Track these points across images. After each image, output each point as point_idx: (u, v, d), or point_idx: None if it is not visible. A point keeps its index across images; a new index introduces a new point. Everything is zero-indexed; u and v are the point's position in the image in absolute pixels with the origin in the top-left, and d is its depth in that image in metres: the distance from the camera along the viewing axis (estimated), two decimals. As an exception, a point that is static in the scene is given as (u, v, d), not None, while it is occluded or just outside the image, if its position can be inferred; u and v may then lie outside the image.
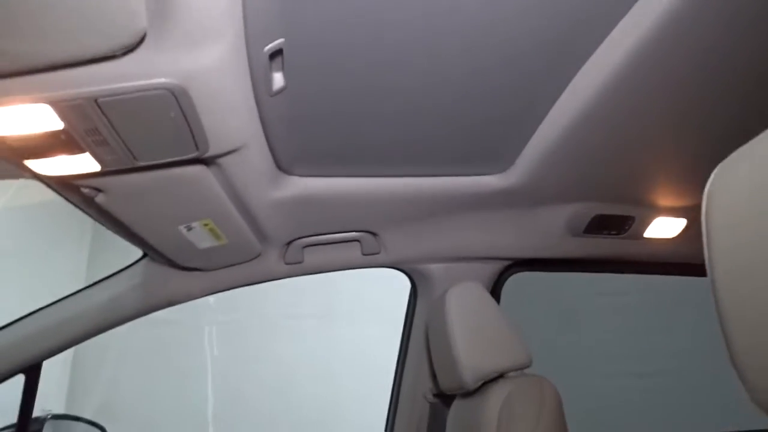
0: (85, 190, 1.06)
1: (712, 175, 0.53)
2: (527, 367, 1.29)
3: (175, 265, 1.54)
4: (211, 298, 3.87)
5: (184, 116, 0.87)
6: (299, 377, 3.81)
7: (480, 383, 1.26)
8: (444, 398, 1.69)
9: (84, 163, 0.94)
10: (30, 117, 0.80)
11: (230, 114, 0.95)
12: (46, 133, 0.83)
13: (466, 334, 1.27)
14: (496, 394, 1.21)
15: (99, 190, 1.07)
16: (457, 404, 1.44)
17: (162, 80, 0.79)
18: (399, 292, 1.92)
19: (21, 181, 3.56)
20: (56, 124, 0.82)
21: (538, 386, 1.19)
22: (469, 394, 1.34)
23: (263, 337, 3.97)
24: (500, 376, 1.27)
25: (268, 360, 3.88)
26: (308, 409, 3.71)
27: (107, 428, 2.00)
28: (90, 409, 3.82)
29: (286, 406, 3.73)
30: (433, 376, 1.70)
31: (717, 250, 0.51)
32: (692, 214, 1.62)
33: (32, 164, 0.92)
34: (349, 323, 3.89)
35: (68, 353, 4.00)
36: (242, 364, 3.95)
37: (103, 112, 0.81)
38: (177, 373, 3.99)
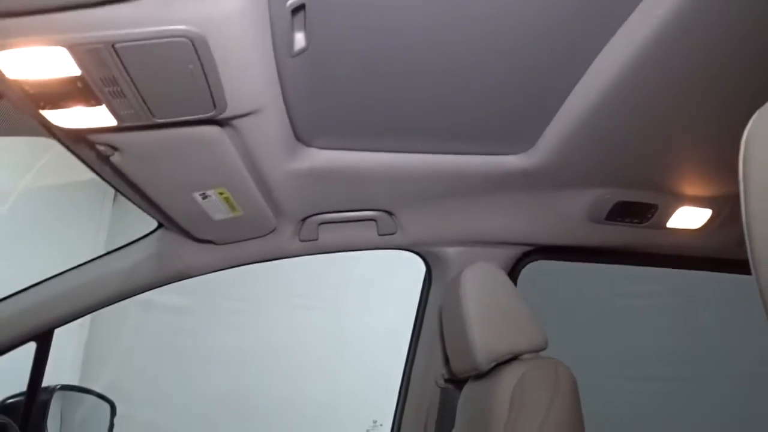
0: (101, 148, 1.06)
1: (751, 121, 0.50)
2: (543, 349, 1.27)
3: (190, 236, 1.53)
4: (223, 286, 3.90)
5: (203, 69, 0.85)
6: (308, 366, 3.81)
7: (493, 364, 1.24)
8: (455, 384, 1.67)
9: (100, 117, 0.93)
10: (46, 60, 0.79)
11: (249, 72, 0.93)
12: (63, 79, 0.82)
13: (480, 314, 1.25)
14: (510, 376, 1.19)
15: (115, 149, 1.06)
16: (469, 386, 1.41)
17: (181, 27, 0.77)
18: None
19: (41, 163, 3.60)
20: (73, 69, 0.81)
21: (553, 369, 1.16)
22: (481, 376, 1.32)
23: (273, 326, 3.97)
24: (514, 358, 1.25)
25: (278, 349, 3.88)
26: (315, 398, 3.70)
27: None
28: (99, 387, 3.85)
29: (294, 395, 3.72)
30: (446, 361, 1.68)
31: (755, 200, 0.48)
32: (718, 204, 1.57)
33: (48, 114, 0.91)
34: (359, 314, 3.87)
35: (81, 339, 4.05)
36: (252, 353, 3.96)
37: (120, 59, 0.80)
38: (187, 360, 4.01)
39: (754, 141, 0.48)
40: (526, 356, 1.25)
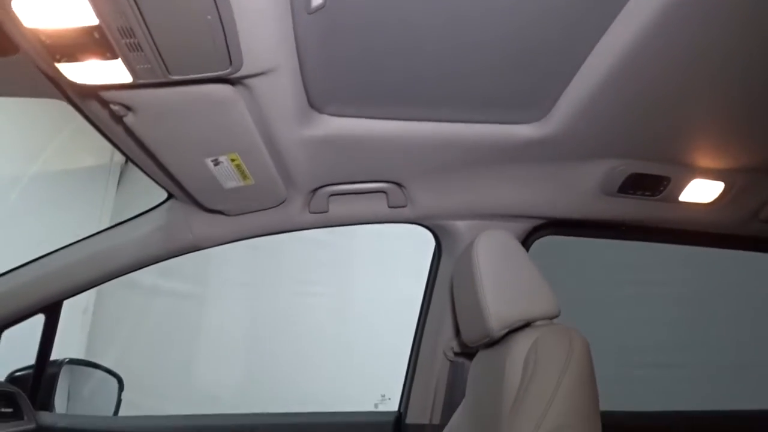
0: (115, 108, 1.05)
1: None
2: (555, 317, 1.26)
3: (200, 207, 1.52)
4: (227, 271, 3.90)
5: (221, 21, 0.84)
6: (315, 345, 3.81)
7: (506, 331, 1.23)
8: (465, 356, 1.67)
9: (116, 72, 0.92)
10: (64, 9, 0.78)
11: (266, 27, 0.93)
12: (80, 29, 0.81)
13: (493, 280, 1.24)
14: (523, 342, 1.18)
15: (128, 109, 1.06)
16: (480, 356, 1.40)
17: None
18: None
19: (49, 150, 3.61)
20: (91, 18, 0.80)
21: (567, 335, 1.15)
22: (492, 344, 1.31)
23: (280, 309, 3.97)
24: (527, 325, 1.24)
25: (285, 330, 3.89)
26: (323, 376, 3.71)
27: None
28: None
29: (302, 373, 3.73)
30: (456, 333, 1.68)
31: None
32: (730, 178, 1.56)
33: (64, 68, 0.90)
34: (366, 291, 3.88)
35: (85, 325, 4.05)
36: (259, 335, 3.97)
37: (139, 8, 0.79)
38: (193, 345, 4.01)
39: None
40: (538, 323, 1.24)
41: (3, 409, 1.45)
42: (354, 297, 3.93)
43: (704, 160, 1.51)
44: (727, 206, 1.65)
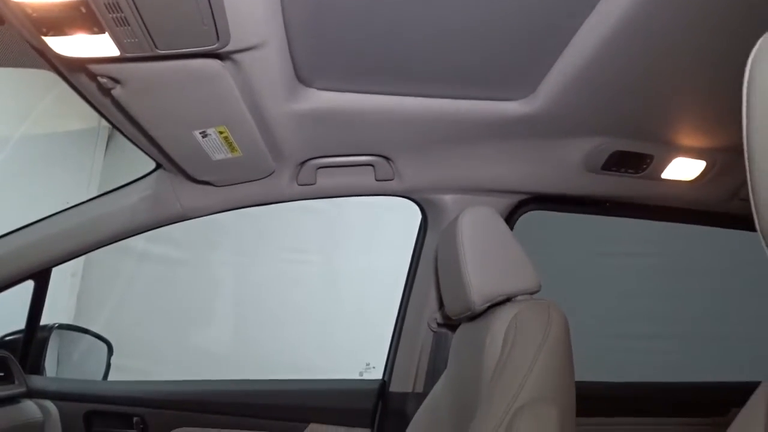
0: (103, 80, 1.05)
1: (759, 41, 0.51)
2: (536, 292, 1.29)
3: (188, 177, 1.53)
4: (216, 237, 3.90)
5: None
6: (301, 313, 3.86)
7: (487, 305, 1.26)
8: (448, 327, 1.70)
9: (103, 46, 0.92)
10: (50, -18, 0.78)
11: (254, 2, 0.93)
12: (66, 3, 0.81)
13: (476, 256, 1.27)
14: (504, 316, 1.21)
15: (116, 81, 1.06)
16: (462, 328, 1.44)
17: None
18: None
19: (37, 112, 3.57)
20: (77, -8, 0.80)
21: (546, 309, 1.18)
22: (474, 317, 1.35)
23: (267, 277, 4.00)
24: (508, 300, 1.27)
25: (271, 298, 3.92)
26: (308, 344, 3.76)
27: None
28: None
29: (287, 342, 3.78)
30: (440, 305, 1.71)
31: (758, 125, 0.49)
32: (711, 156, 1.59)
33: (51, 41, 0.90)
34: (351, 261, 3.91)
35: (74, 288, 4.06)
36: (246, 303, 4.00)
37: (125, -17, 0.79)
38: (180, 311, 4.04)
39: (760, 64, 0.49)
40: (519, 298, 1.27)
41: (-6, 373, 1.48)
42: (342, 266, 3.96)
43: (687, 139, 1.53)
44: (708, 184, 1.67)
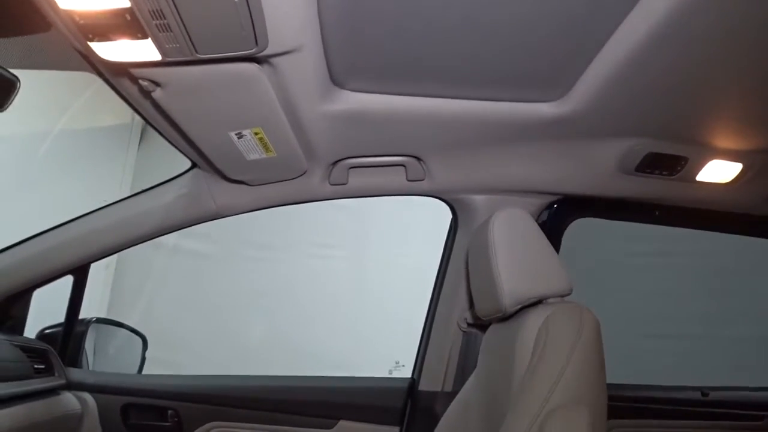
0: (144, 83, 1.08)
1: None
2: (567, 294, 1.29)
3: (223, 176, 1.56)
4: (246, 233, 3.94)
5: (247, 2, 0.86)
6: (331, 310, 3.89)
7: (518, 307, 1.26)
8: (478, 327, 1.71)
9: (145, 51, 0.95)
10: (98, -9, 0.81)
11: (292, 7, 0.94)
12: (112, 11, 0.84)
13: (508, 257, 1.27)
14: (535, 318, 1.21)
15: (157, 84, 1.09)
16: (492, 329, 1.44)
17: None
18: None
19: (75, 107, 3.66)
20: (123, 1, 0.82)
21: (578, 313, 1.18)
22: (505, 319, 1.35)
23: (296, 273, 4.03)
24: (539, 302, 1.27)
25: (301, 295, 3.96)
26: (338, 340, 3.79)
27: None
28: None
29: (317, 338, 3.81)
30: (470, 305, 1.72)
31: None
32: (748, 158, 1.56)
33: (96, 47, 0.93)
34: (381, 259, 3.93)
35: (107, 281, 4.15)
36: (275, 299, 4.04)
37: (169, -9, 0.81)
38: (210, 305, 4.10)
39: None
40: (551, 300, 1.27)
41: (36, 365, 1.52)
42: (371, 262, 3.98)
43: (723, 141, 1.50)
44: (745, 187, 1.65)
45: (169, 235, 1.75)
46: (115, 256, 4.10)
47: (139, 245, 1.77)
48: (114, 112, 4.11)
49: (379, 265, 3.92)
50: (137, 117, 4.49)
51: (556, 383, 1.07)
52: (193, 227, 1.76)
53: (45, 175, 3.50)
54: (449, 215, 1.86)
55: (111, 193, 3.92)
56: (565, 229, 1.83)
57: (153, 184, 1.72)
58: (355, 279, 3.97)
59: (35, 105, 3.33)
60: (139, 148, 4.42)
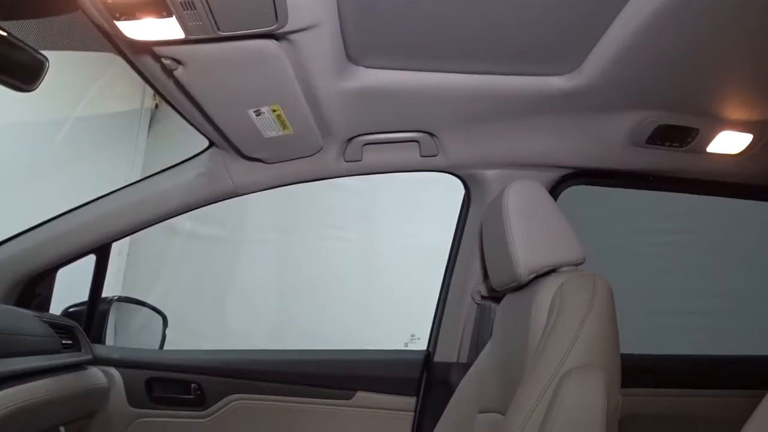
0: (167, 62, 1.11)
1: None
2: (581, 263, 1.32)
3: (240, 154, 1.59)
4: (259, 217, 3.97)
5: None
6: (345, 287, 3.93)
7: (533, 276, 1.29)
8: (492, 299, 1.74)
9: (169, 29, 0.98)
10: (126, -29, 0.84)
11: None
12: (139, -11, 0.87)
13: (522, 228, 1.29)
14: (549, 286, 1.24)
15: (179, 62, 1.12)
16: (507, 299, 1.48)
17: None
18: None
19: (90, 94, 3.70)
20: (149, -20, 0.85)
21: (591, 279, 1.21)
22: (519, 288, 1.38)
23: (309, 254, 4.07)
24: (553, 271, 1.30)
25: (314, 274, 4.00)
26: (354, 315, 3.83)
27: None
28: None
29: (332, 314, 3.85)
30: (484, 278, 1.75)
31: None
32: (759, 129, 1.58)
33: (122, 26, 0.96)
34: (393, 237, 3.95)
35: (122, 262, 4.20)
36: (289, 280, 4.08)
37: (194, -30, 0.84)
38: (225, 286, 4.15)
39: None
40: (564, 269, 1.30)
41: (64, 341, 1.57)
42: (383, 243, 4.01)
43: (733, 112, 1.52)
44: (756, 157, 1.66)
45: (182, 220, 1.79)
46: (128, 242, 4.18)
47: (151, 230, 1.82)
48: (122, 98, 4.15)
49: (390, 245, 3.95)
50: (146, 103, 4.53)
51: (571, 346, 1.10)
52: (206, 213, 1.80)
53: (60, 161, 3.55)
54: (457, 196, 1.89)
55: (123, 176, 3.98)
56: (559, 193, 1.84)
57: (164, 167, 1.75)
58: (367, 259, 4.00)
59: (51, 94, 3.39)
60: (148, 135, 4.46)
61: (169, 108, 1.46)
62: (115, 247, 1.87)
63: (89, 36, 1.15)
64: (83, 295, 1.88)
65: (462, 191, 1.88)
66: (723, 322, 3.13)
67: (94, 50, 1.21)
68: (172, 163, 1.74)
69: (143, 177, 1.77)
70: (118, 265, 4.26)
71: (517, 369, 1.25)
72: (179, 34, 0.99)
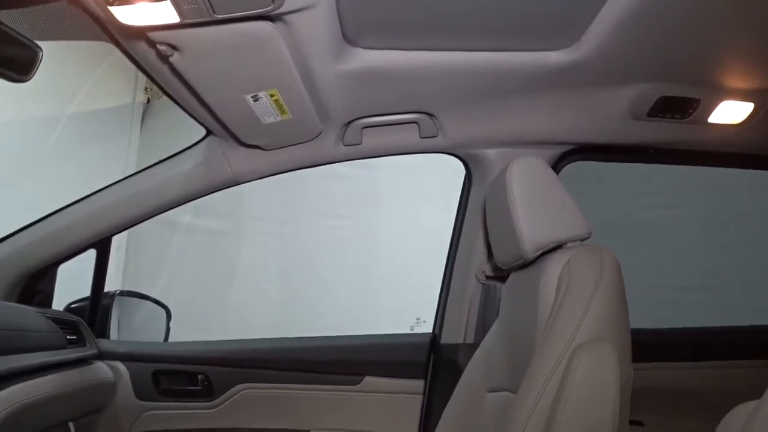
0: (162, 48, 1.09)
1: None
2: (587, 238, 1.31)
3: (238, 141, 1.58)
4: (257, 209, 3.96)
5: None
6: (348, 275, 3.92)
7: (539, 253, 1.29)
8: (496, 279, 1.74)
9: (164, 13, 0.96)
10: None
11: None
12: (132, -28, 0.85)
13: (526, 204, 1.28)
14: (556, 262, 1.23)
15: (174, 48, 1.10)
16: (513, 278, 1.47)
17: None
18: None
19: (83, 90, 3.68)
20: (142, -39, 0.83)
21: (598, 254, 1.20)
22: (525, 266, 1.37)
23: (310, 243, 4.06)
24: (559, 247, 1.29)
25: (316, 263, 3.99)
26: (358, 302, 3.83)
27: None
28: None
29: (336, 301, 3.85)
30: (488, 257, 1.74)
31: None
32: (760, 98, 1.56)
33: (116, 11, 0.94)
34: (393, 222, 3.95)
35: (120, 257, 4.18)
36: (291, 270, 4.08)
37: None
38: (226, 278, 4.14)
39: None
40: (570, 244, 1.29)
41: (68, 336, 1.56)
42: (384, 229, 4.00)
43: (734, 81, 1.51)
44: (757, 126, 1.65)
45: (182, 214, 1.78)
46: (126, 237, 4.16)
47: (150, 225, 1.80)
48: (114, 95, 4.13)
49: (392, 231, 3.94)
50: (137, 99, 4.51)
51: (581, 320, 1.10)
52: (206, 207, 1.78)
53: (50, 161, 3.54)
54: (455, 181, 1.88)
55: (117, 174, 3.96)
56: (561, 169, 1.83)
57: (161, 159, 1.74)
58: (368, 246, 4.00)
59: (43, 92, 3.36)
60: (141, 130, 4.44)
61: (160, 103, 1.45)
62: (114, 242, 1.86)
63: (82, 25, 1.13)
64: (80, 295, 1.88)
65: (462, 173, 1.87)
66: (723, 297, 3.14)
67: (88, 39, 1.20)
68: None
69: (141, 168, 1.75)
70: (117, 260, 4.25)
71: (526, 346, 1.24)
72: (174, 18, 0.98)
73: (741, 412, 0.58)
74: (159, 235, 4.04)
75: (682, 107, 1.57)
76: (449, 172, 1.97)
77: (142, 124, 4.42)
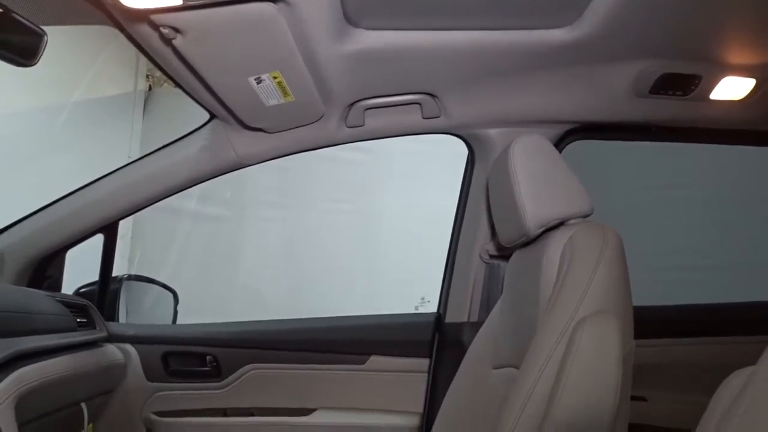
0: (165, 31, 1.10)
1: None
2: (589, 215, 1.32)
3: (242, 124, 1.59)
4: (261, 194, 3.97)
5: None
6: (352, 258, 3.95)
7: (542, 230, 1.30)
8: (500, 258, 1.75)
9: (166, -5, 0.97)
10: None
11: None
12: (136, -46, 0.86)
13: (529, 182, 1.29)
14: (559, 238, 1.24)
15: (177, 31, 1.11)
16: (516, 255, 1.48)
17: None
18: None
19: (87, 79, 3.69)
20: (145, -57, 0.84)
21: (601, 230, 1.21)
22: (528, 244, 1.39)
23: (314, 227, 4.08)
24: (561, 224, 1.30)
25: (320, 247, 4.02)
26: (363, 284, 3.86)
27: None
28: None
29: (341, 284, 3.88)
30: (491, 236, 1.76)
31: None
32: (762, 73, 1.56)
33: (120, -6, 0.95)
34: (395, 211, 3.97)
35: (125, 246, 4.21)
36: (295, 255, 4.10)
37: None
38: (232, 264, 4.17)
39: None
40: (573, 221, 1.30)
41: (79, 319, 1.58)
42: (386, 212, 4.02)
43: (736, 56, 1.50)
44: (759, 102, 1.65)
45: (187, 201, 1.79)
46: (130, 225, 4.18)
47: (154, 211, 1.82)
48: (115, 83, 4.13)
49: (395, 213, 3.97)
50: (139, 86, 4.51)
51: (583, 295, 1.11)
52: (209, 194, 1.80)
53: (64, 145, 3.56)
54: (461, 158, 1.89)
55: (121, 159, 3.98)
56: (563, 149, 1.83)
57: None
58: (372, 228, 4.02)
59: (47, 80, 3.38)
60: (144, 117, 4.45)
61: (162, 90, 1.46)
62: (118, 231, 1.89)
63: (86, 9, 1.14)
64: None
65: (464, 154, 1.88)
66: (724, 277, 3.14)
67: (92, 23, 1.20)
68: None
69: (147, 153, 1.76)
70: (122, 249, 4.28)
71: (530, 322, 1.26)
72: (177, 0, 0.98)
73: (741, 375, 0.60)
74: (162, 223, 4.06)
75: (684, 84, 1.57)
76: (453, 154, 1.98)
77: (144, 111, 4.43)
